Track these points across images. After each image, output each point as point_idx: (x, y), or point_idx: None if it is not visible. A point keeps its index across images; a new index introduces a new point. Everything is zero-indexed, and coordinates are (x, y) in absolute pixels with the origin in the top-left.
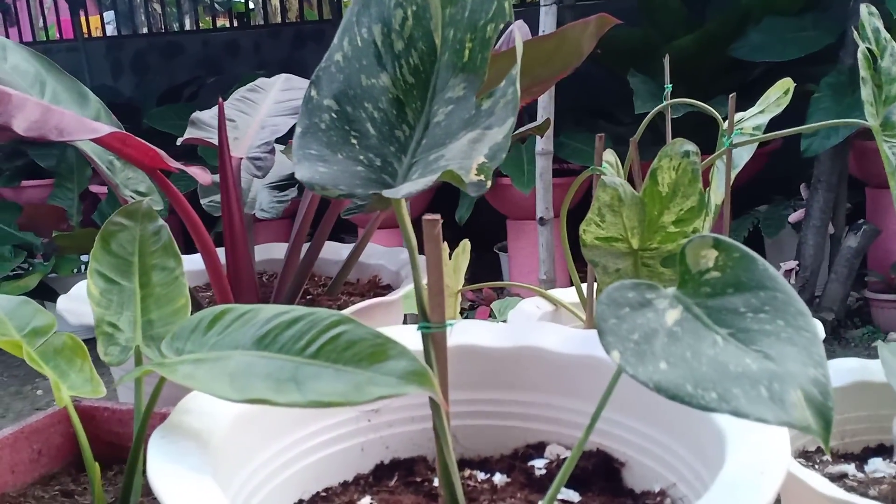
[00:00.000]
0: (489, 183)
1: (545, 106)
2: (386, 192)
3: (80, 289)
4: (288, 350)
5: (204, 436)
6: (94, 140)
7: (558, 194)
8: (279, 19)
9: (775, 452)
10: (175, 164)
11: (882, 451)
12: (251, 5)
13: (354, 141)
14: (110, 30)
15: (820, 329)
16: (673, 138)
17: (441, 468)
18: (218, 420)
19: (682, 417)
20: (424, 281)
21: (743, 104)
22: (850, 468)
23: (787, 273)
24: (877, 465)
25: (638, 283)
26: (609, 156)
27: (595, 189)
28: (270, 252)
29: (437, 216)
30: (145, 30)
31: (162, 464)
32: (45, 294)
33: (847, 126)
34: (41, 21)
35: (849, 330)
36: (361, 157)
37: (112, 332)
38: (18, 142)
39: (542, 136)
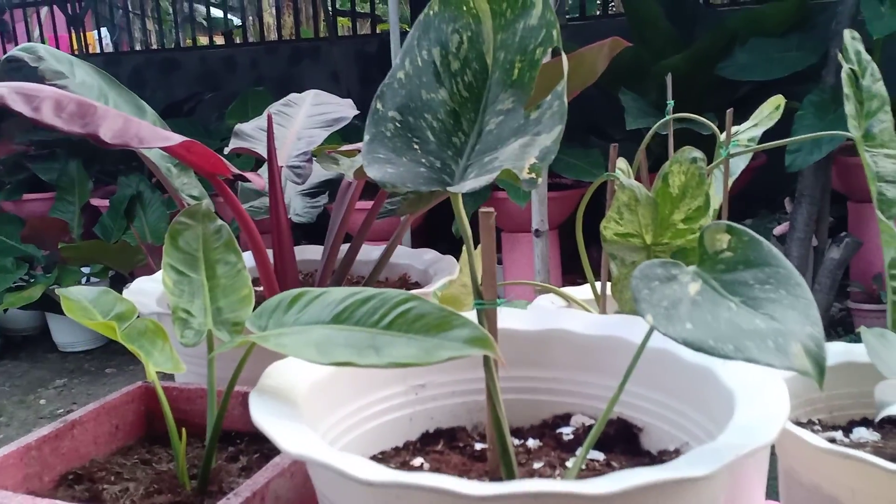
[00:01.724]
0: (540, 180)
1: None
2: (451, 189)
3: (140, 283)
4: (363, 323)
5: (290, 397)
6: (162, 148)
7: (552, 207)
8: (274, 36)
9: (777, 405)
10: (235, 170)
11: (866, 423)
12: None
13: (416, 146)
14: (105, 46)
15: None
16: (670, 152)
17: (494, 422)
18: (297, 387)
19: (692, 385)
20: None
21: (732, 120)
22: (837, 434)
23: None
24: (861, 433)
25: (665, 262)
26: (622, 163)
27: (608, 196)
28: (304, 253)
29: (492, 209)
30: (139, 46)
31: (266, 415)
32: (48, 305)
33: (830, 142)
34: (37, 36)
35: (832, 339)
36: (423, 160)
37: (186, 318)
38: (21, 155)
39: None
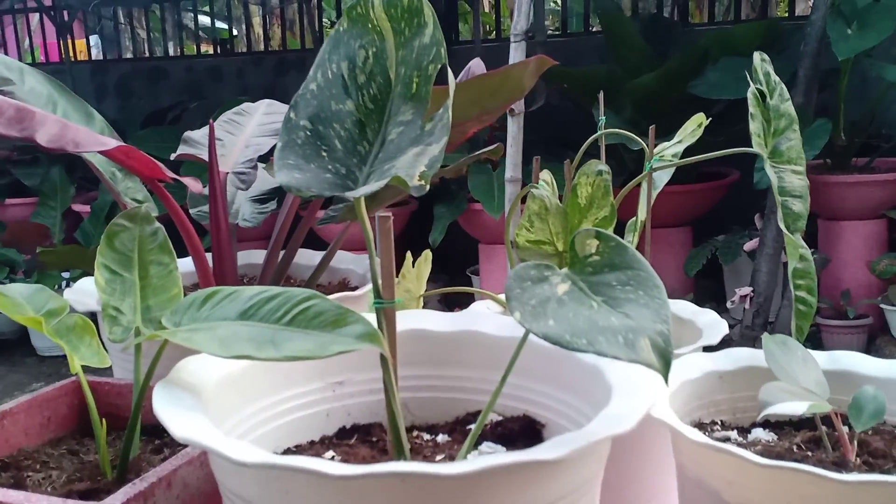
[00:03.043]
0: (427, 187)
1: (514, 136)
2: (348, 193)
3: (84, 283)
4: (267, 320)
5: (196, 389)
6: (101, 152)
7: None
8: (262, 47)
9: (643, 401)
10: (171, 175)
11: (769, 425)
12: (234, 32)
13: (324, 154)
14: (95, 53)
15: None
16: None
17: (389, 415)
18: (205, 380)
19: (586, 383)
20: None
21: (705, 138)
22: (733, 434)
23: (742, 298)
24: (757, 434)
25: (539, 264)
26: (545, 175)
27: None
28: (250, 258)
29: (389, 213)
30: (130, 54)
31: (165, 404)
32: None
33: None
34: (27, 42)
35: None
36: (330, 167)
37: (116, 315)
38: (4, 160)
39: (495, 160)
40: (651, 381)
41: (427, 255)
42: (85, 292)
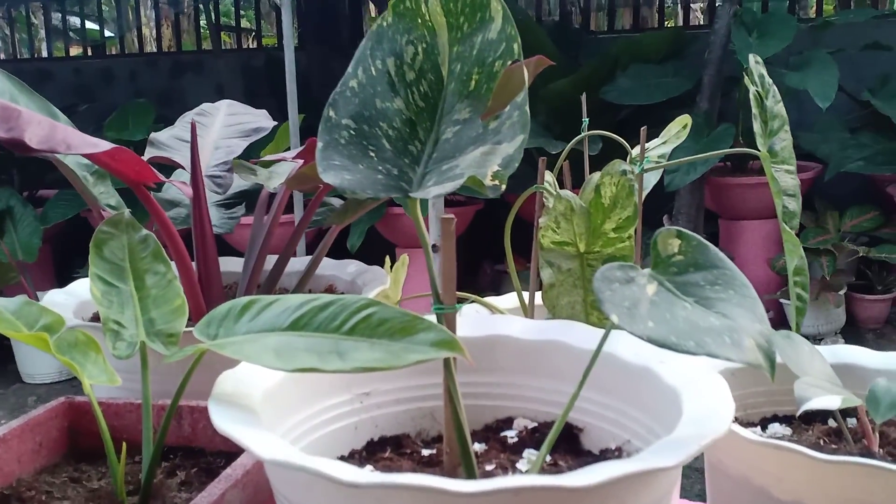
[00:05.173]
0: (503, 187)
1: None
2: (414, 194)
3: (52, 296)
4: (324, 329)
5: (249, 407)
6: (88, 154)
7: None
8: (152, 48)
9: (722, 399)
10: (162, 178)
11: (777, 419)
12: (108, 34)
13: (372, 154)
14: None
15: None
16: (586, 168)
17: (455, 424)
18: (253, 396)
19: (631, 384)
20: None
21: (611, 141)
22: (756, 430)
23: None
24: (776, 429)
25: (622, 265)
26: (549, 177)
27: (538, 207)
28: (225, 265)
29: (452, 215)
30: (3, 56)
31: (229, 422)
32: None
33: (704, 164)
34: None
35: None
36: (380, 168)
37: (118, 329)
38: None
39: None
40: (711, 378)
41: (404, 259)
42: (57, 305)
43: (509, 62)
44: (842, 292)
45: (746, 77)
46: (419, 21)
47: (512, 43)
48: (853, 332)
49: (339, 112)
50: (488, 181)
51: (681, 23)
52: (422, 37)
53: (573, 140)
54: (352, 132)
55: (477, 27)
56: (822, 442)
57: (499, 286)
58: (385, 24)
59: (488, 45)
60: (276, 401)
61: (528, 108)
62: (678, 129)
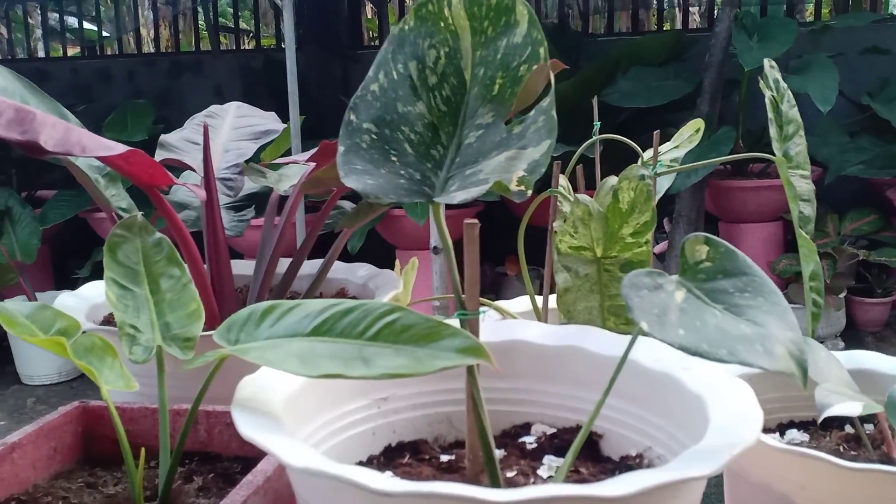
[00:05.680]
0: (530, 192)
1: None
2: (438, 199)
3: (63, 300)
4: (347, 335)
5: (270, 411)
6: (102, 157)
7: (450, 224)
8: (150, 49)
9: (749, 406)
10: (176, 181)
11: (792, 425)
12: (105, 34)
13: (394, 158)
14: None
15: None
16: (597, 171)
17: (479, 431)
18: (274, 402)
19: (653, 391)
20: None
21: (614, 144)
22: (774, 436)
23: None
24: (793, 435)
25: (650, 272)
26: (563, 181)
27: (552, 211)
28: (234, 268)
29: (476, 221)
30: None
31: (254, 428)
32: None
33: (705, 167)
34: None
35: None
36: (402, 172)
37: (134, 334)
38: None
39: None
40: (735, 385)
41: (414, 262)
42: (69, 309)
43: (534, 66)
44: (842, 295)
45: (761, 82)
46: (442, 25)
47: (538, 47)
48: (853, 336)
49: (361, 116)
50: (513, 186)
51: (679, 26)
52: (444, 40)
53: (584, 144)
54: (373, 136)
55: (502, 31)
56: (841, 448)
57: (499, 288)
58: (407, 27)
59: (513, 49)
60: (297, 406)
61: (554, 113)
62: (690, 132)
